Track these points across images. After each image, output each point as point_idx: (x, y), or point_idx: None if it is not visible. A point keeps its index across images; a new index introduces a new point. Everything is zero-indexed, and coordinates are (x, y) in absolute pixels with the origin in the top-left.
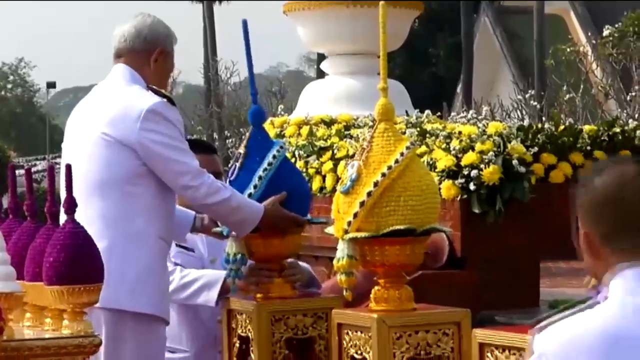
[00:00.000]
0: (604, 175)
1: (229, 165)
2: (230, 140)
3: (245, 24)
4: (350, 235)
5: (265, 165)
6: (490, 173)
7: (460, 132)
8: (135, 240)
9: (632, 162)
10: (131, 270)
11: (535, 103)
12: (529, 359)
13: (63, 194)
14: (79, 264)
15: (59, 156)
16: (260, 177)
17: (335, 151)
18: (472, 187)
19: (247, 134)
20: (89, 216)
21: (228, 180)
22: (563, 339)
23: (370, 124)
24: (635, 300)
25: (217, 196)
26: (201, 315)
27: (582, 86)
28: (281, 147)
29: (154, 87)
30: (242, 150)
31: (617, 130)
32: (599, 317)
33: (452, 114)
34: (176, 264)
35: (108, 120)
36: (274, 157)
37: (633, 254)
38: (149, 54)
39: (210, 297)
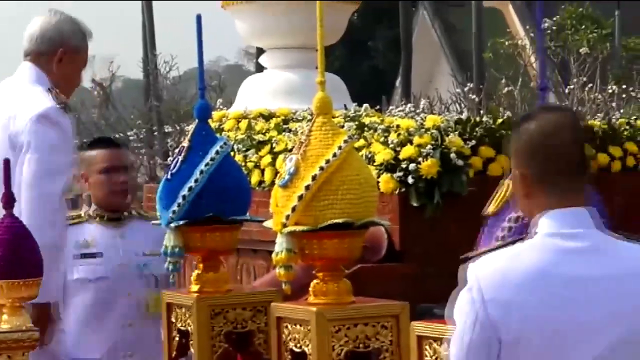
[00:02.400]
0: (536, 120)
1: (171, 159)
2: (171, 137)
3: (199, 19)
4: (289, 228)
5: (207, 160)
6: (429, 166)
7: (398, 126)
8: None
9: (561, 109)
10: None
11: (474, 96)
12: (462, 288)
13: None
14: (18, 259)
15: None
16: (201, 172)
17: (274, 145)
18: (410, 180)
19: (192, 128)
20: None
21: (170, 172)
22: (496, 267)
23: (309, 117)
24: (559, 241)
25: (46, 227)
26: (104, 321)
27: (520, 79)
28: (225, 144)
29: (56, 90)
30: (185, 144)
31: None
32: (528, 254)
33: (391, 107)
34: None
35: (8, 121)
36: (217, 152)
37: (562, 196)
38: (52, 55)
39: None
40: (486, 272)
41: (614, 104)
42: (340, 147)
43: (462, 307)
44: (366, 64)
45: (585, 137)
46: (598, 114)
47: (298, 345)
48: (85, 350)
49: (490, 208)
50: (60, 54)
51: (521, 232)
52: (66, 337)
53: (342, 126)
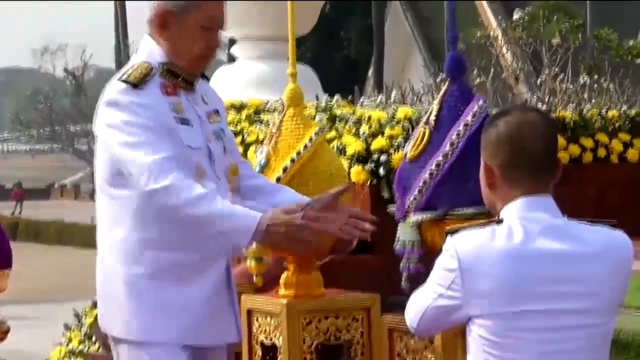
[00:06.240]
0: (507, 116)
1: None
2: None
3: None
4: None
5: None
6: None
7: (369, 117)
8: (117, 251)
9: (535, 110)
10: (111, 289)
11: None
12: (443, 255)
13: None
14: None
15: None
16: None
17: (245, 136)
18: (381, 172)
19: None
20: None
21: None
22: (472, 245)
23: (280, 108)
24: (527, 223)
25: (199, 205)
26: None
27: (492, 70)
28: None
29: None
30: None
31: None
32: (500, 235)
33: (362, 98)
34: None
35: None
36: None
37: (527, 189)
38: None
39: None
40: (463, 247)
41: (585, 95)
42: (311, 139)
43: (443, 265)
44: (338, 55)
45: (555, 134)
46: (569, 105)
47: (268, 337)
48: None
49: (410, 153)
50: (162, 20)
51: (442, 177)
52: None
53: (314, 117)
